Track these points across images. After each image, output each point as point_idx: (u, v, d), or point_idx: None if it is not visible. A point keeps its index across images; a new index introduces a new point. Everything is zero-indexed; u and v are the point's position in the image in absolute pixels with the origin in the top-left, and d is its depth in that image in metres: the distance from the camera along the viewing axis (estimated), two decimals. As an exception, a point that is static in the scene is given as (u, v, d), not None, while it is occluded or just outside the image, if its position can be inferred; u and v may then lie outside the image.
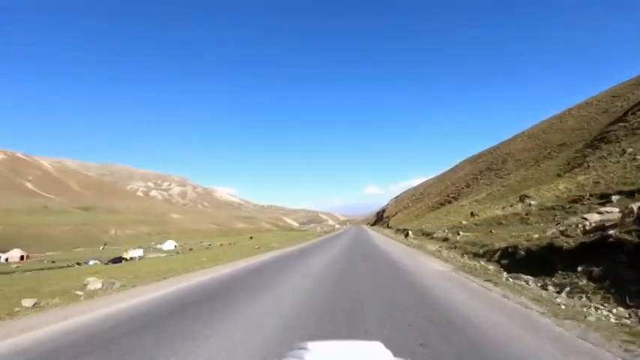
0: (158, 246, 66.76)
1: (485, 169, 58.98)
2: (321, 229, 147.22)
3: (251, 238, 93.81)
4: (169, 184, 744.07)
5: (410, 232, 27.76)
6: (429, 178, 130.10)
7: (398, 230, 46.96)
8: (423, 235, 29.49)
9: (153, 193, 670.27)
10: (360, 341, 0.90)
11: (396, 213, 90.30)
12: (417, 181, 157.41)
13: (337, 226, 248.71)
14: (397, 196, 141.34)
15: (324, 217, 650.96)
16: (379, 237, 36.87)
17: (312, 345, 0.86)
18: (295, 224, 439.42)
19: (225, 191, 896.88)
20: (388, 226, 75.27)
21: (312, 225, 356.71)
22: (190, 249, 59.77)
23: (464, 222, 26.29)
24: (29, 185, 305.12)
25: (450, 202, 56.23)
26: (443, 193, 68.82)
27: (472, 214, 27.04)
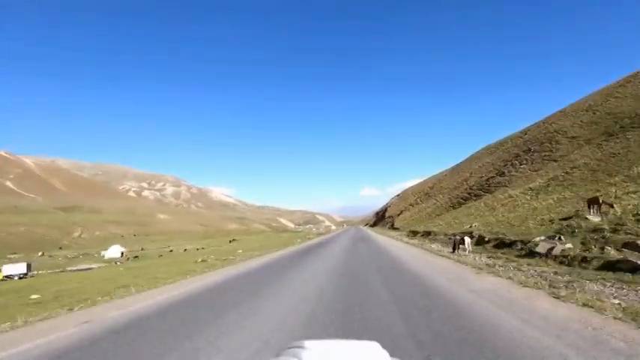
0: (102, 252, 52.95)
1: (523, 152, 45.30)
2: (316, 230, 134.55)
3: (230, 242, 79.88)
4: (163, 185, 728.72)
5: (467, 240, 13.80)
6: (434, 174, 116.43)
7: (414, 233, 33.08)
8: (486, 244, 15.45)
9: (145, 193, 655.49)
10: (358, 341, 0.88)
11: (401, 212, 76.46)
12: (415, 182, 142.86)
13: (333, 227, 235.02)
14: (399, 194, 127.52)
15: (320, 218, 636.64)
16: (400, 248, 22.80)
17: (309, 344, 0.84)
18: (291, 225, 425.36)
19: (222, 192, 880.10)
20: (393, 227, 61.46)
21: (308, 226, 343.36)
22: (136, 257, 45.80)
23: (593, 219, 12.32)
24: (9, 184, 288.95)
25: (478, 196, 42.50)
26: (463, 186, 55.10)
27: (598, 201, 13.14)
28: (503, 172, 43.62)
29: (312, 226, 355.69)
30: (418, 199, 72.83)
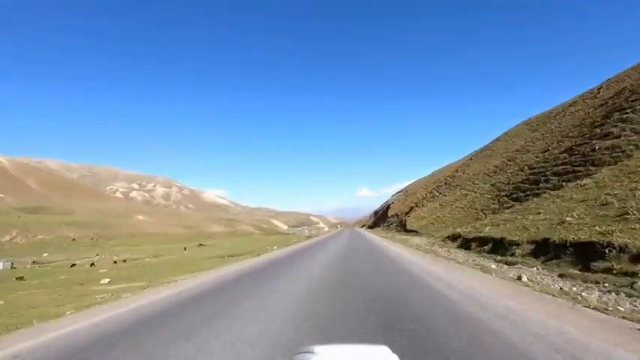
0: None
1: (631, 102, 26.93)
2: (308, 233, 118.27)
3: (185, 249, 60.66)
4: (154, 186, 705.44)
5: None
6: (445, 165, 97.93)
7: (482, 245, 14.18)
8: None
9: (133, 194, 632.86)
10: (367, 345, 0.87)
11: (411, 209, 57.63)
12: (410, 182, 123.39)
13: (326, 229, 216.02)
14: (403, 190, 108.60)
15: (315, 219, 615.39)
16: None
17: (318, 349, 0.83)
18: (284, 227, 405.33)
19: (216, 193, 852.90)
20: (405, 230, 42.63)
21: (300, 228, 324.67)
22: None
23: None
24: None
25: (569, 173, 23.95)
26: (514, 168, 36.68)
27: None
28: (610, 133, 24.92)
29: (304, 227, 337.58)
30: (435, 191, 54.04)
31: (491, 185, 36.06)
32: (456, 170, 56.46)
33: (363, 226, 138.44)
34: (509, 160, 40.68)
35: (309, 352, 0.82)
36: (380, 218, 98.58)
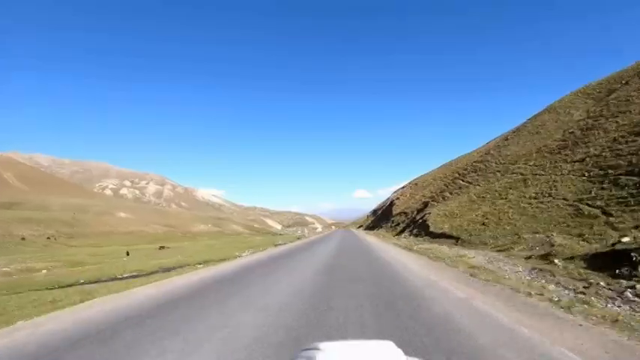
0: None
1: None
2: (300, 233, 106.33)
3: (128, 254, 46.68)
4: (147, 183, 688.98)
5: None
6: (459, 156, 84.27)
7: None
8: None
9: (123, 191, 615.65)
10: (372, 340, 0.87)
11: (427, 205, 43.73)
12: (405, 183, 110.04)
13: (319, 229, 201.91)
14: (409, 184, 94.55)
15: (310, 220, 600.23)
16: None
17: (323, 345, 0.83)
18: (278, 227, 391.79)
19: (210, 192, 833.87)
20: (429, 233, 28.67)
21: (294, 228, 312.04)
22: None
23: None
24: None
25: None
26: (602, 138, 22.78)
27: None
28: None
29: (298, 228, 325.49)
30: (460, 180, 40.16)
31: (577, 162, 22.17)
32: (486, 153, 42.73)
33: (360, 226, 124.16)
34: (587, 129, 26.87)
35: (314, 348, 0.81)
36: (381, 218, 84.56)
